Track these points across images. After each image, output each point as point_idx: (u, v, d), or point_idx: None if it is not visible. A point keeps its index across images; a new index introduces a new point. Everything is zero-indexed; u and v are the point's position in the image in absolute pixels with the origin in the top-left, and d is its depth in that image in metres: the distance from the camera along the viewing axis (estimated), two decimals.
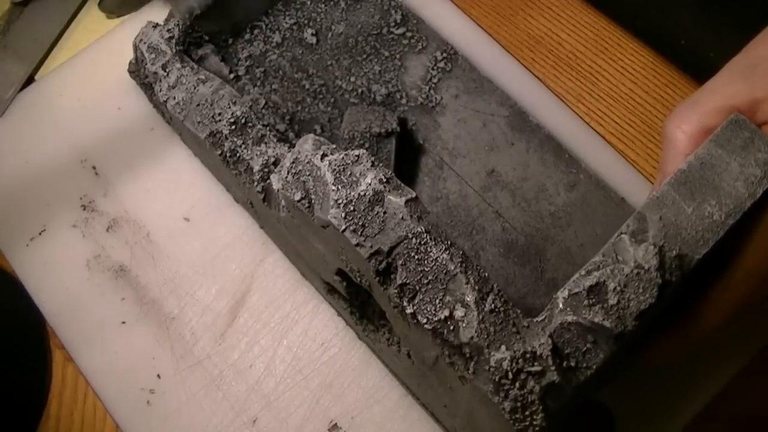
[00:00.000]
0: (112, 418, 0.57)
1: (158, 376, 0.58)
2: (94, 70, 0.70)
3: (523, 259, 0.57)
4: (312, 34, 0.66)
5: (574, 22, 0.70)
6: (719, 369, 0.56)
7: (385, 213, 0.41)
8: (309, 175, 0.44)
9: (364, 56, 0.65)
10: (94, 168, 0.65)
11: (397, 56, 0.65)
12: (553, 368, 0.38)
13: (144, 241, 0.62)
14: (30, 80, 0.70)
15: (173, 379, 0.58)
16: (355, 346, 0.58)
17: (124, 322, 0.60)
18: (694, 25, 0.66)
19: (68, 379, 0.59)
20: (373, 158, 0.43)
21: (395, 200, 0.41)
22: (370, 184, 0.41)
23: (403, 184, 0.42)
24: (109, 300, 0.60)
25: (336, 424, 0.55)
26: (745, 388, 0.56)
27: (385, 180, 0.42)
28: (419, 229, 0.40)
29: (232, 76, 0.63)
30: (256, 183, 0.51)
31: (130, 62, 0.64)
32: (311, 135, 0.45)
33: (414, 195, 0.41)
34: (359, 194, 0.41)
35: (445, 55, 0.65)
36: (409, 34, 0.66)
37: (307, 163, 0.44)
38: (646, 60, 0.68)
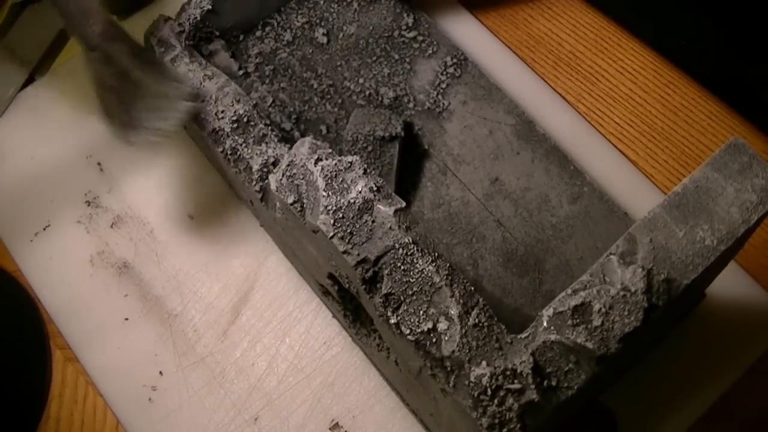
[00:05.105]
0: (113, 416, 0.58)
1: (160, 373, 0.58)
2: None
3: (521, 270, 0.57)
4: (323, 34, 0.66)
5: (574, 22, 0.70)
6: (723, 369, 0.55)
7: (373, 222, 0.41)
8: (302, 179, 0.44)
9: (374, 58, 0.65)
10: (99, 164, 0.66)
11: (407, 60, 0.65)
12: (533, 387, 0.38)
13: (148, 238, 0.63)
14: (30, 80, 0.71)
15: (175, 377, 0.58)
16: (357, 346, 0.57)
17: (126, 319, 0.60)
18: (694, 25, 0.65)
19: (68, 379, 0.60)
20: (365, 166, 0.43)
21: (384, 209, 0.41)
22: (360, 192, 0.41)
23: (393, 194, 0.42)
24: (112, 296, 0.61)
25: (337, 423, 0.55)
26: (756, 385, 0.55)
27: (375, 188, 0.42)
28: (406, 240, 0.40)
29: (241, 72, 0.63)
30: (254, 182, 0.51)
31: None
32: (308, 138, 0.45)
33: (403, 205, 0.41)
34: (349, 201, 0.41)
35: (455, 60, 0.64)
36: (420, 38, 0.65)
37: (302, 166, 0.44)
38: (646, 60, 0.67)
